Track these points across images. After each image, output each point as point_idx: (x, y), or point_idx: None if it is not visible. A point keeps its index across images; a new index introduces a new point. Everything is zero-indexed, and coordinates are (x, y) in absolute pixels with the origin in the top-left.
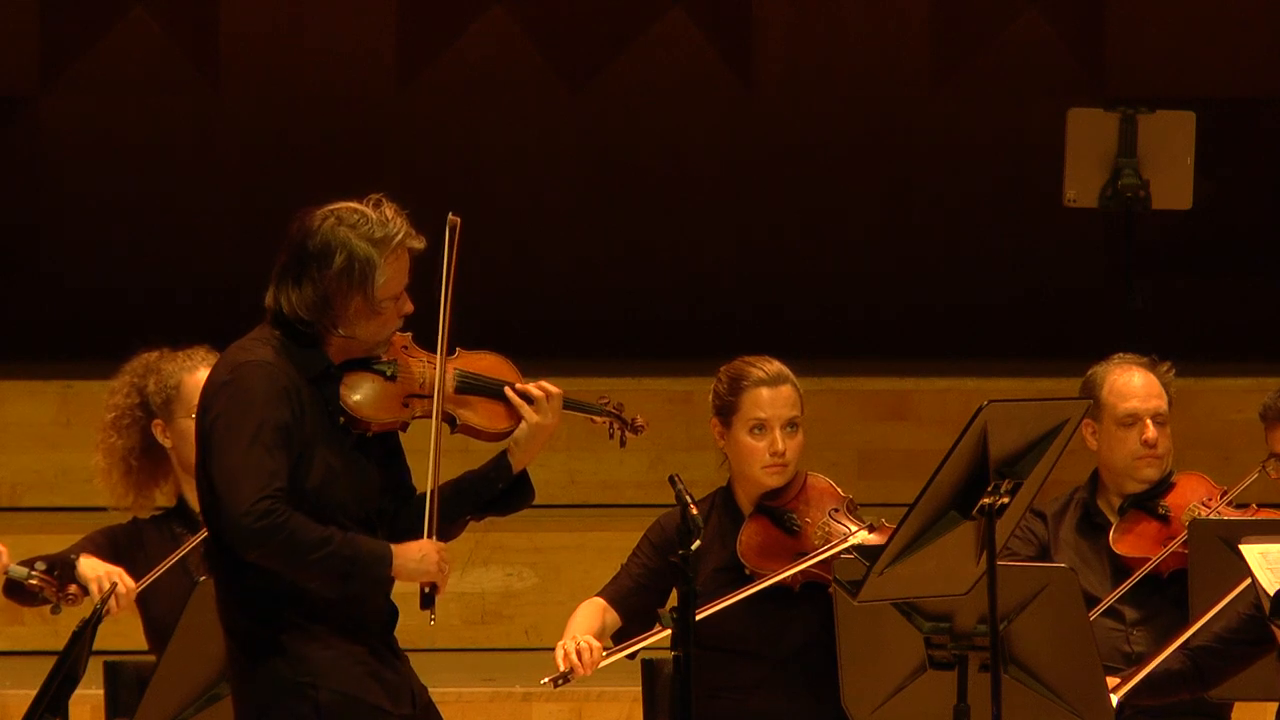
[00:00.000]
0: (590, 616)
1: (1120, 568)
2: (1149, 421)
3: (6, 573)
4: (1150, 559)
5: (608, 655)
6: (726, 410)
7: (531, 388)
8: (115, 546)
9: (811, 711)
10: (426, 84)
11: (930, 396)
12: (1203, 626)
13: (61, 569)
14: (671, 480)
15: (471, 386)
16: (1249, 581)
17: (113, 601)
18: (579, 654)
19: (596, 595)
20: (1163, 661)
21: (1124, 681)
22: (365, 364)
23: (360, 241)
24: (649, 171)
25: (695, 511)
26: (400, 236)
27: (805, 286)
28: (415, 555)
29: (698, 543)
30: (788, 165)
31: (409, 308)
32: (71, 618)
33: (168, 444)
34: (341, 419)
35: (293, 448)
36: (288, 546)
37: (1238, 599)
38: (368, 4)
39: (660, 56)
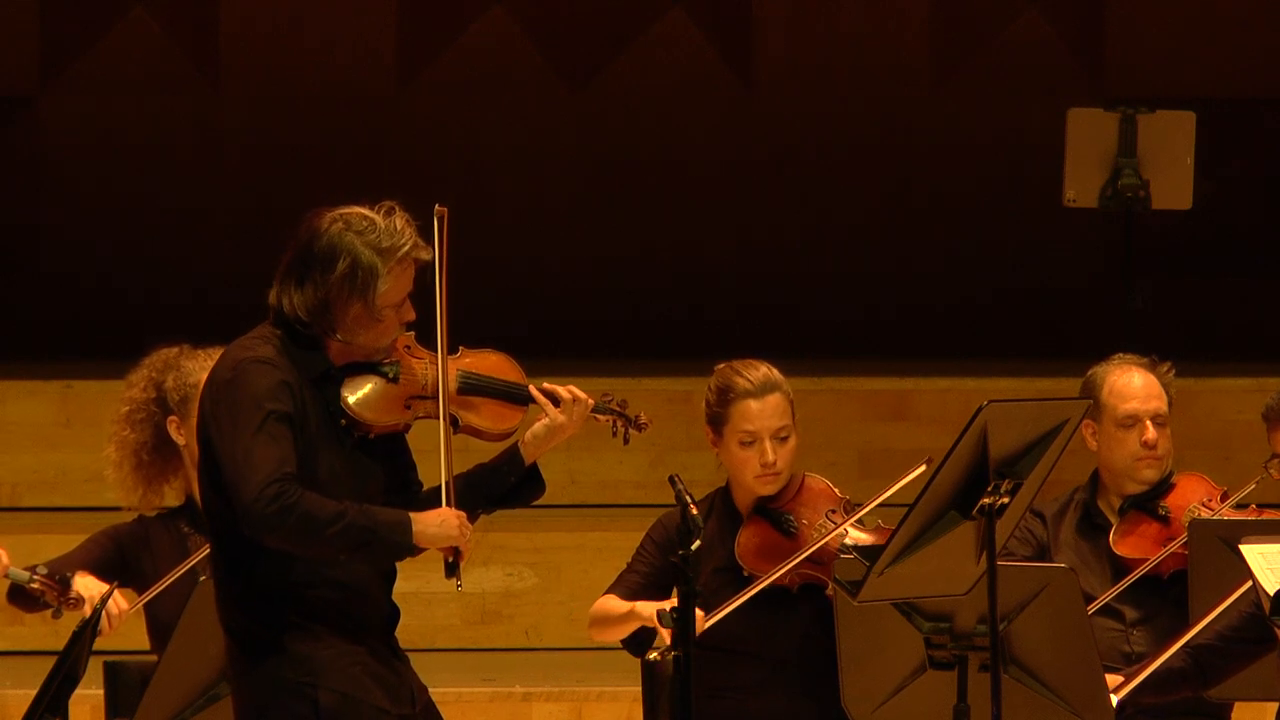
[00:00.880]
0: (620, 601)
1: (1120, 569)
2: (1149, 422)
3: (7, 575)
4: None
5: (707, 621)
6: (717, 421)
7: (560, 390)
8: (121, 548)
9: (811, 712)
10: (426, 83)
11: (930, 396)
12: (1203, 627)
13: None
14: (671, 480)
15: (474, 387)
16: (1249, 584)
17: (104, 622)
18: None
19: (607, 593)
20: (1164, 660)
21: (1126, 681)
22: (367, 366)
23: (365, 249)
24: (649, 171)
25: (695, 511)
26: (407, 248)
27: (805, 286)
28: (435, 520)
29: (698, 543)
30: (788, 165)
31: (411, 315)
32: (72, 618)
33: (181, 441)
34: (343, 421)
35: (298, 439)
36: (303, 525)
37: (1239, 599)
38: (368, 4)
39: (660, 56)
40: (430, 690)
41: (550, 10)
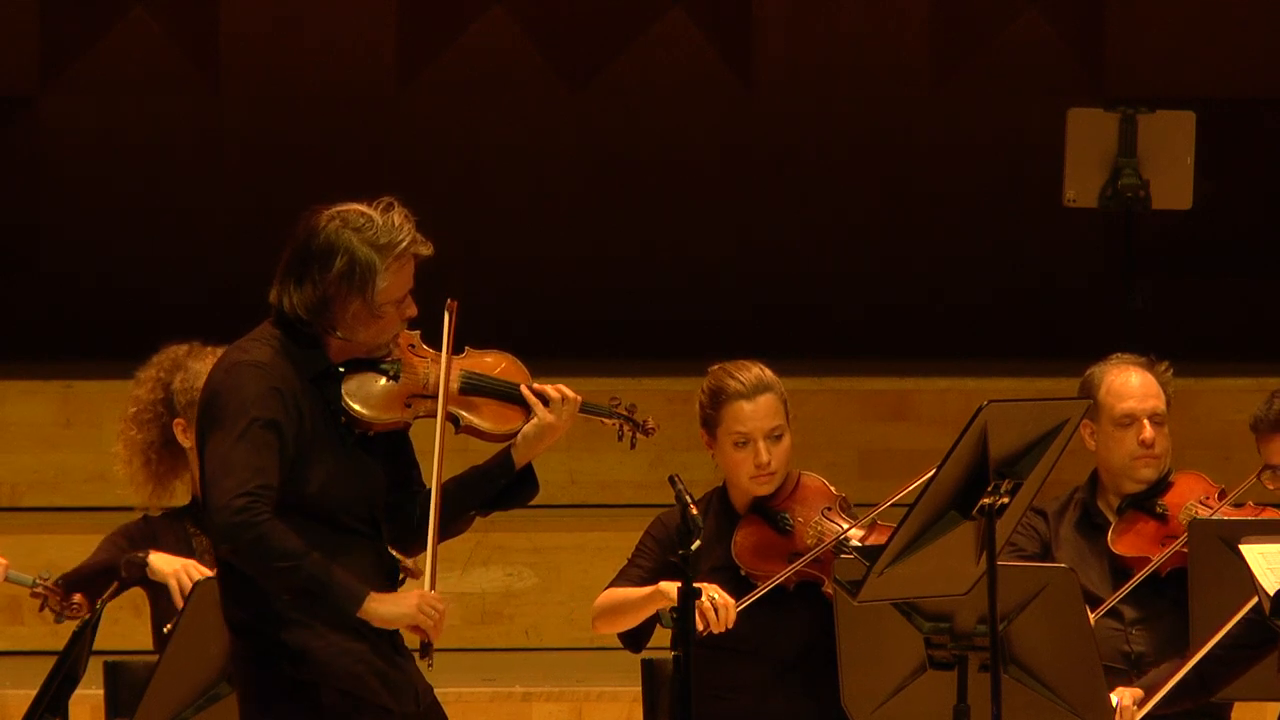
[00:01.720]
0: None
1: (1119, 567)
2: (1146, 421)
3: (8, 578)
4: (1148, 558)
5: (740, 605)
6: (710, 423)
7: (549, 389)
8: (133, 545)
9: (811, 712)
10: (427, 83)
11: (930, 396)
12: (1202, 631)
13: (129, 568)
14: (671, 480)
15: (476, 388)
16: (1251, 604)
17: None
18: (715, 609)
19: (609, 588)
20: (1166, 672)
21: (1146, 698)
22: (369, 364)
23: (363, 246)
24: (649, 171)
25: (695, 511)
26: (405, 244)
27: (805, 286)
28: (390, 601)
29: (698, 543)
30: (788, 165)
31: (412, 311)
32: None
33: (187, 444)
34: (344, 419)
35: (285, 447)
36: (257, 548)
37: (1235, 602)
38: (368, 4)
39: (660, 56)
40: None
41: (550, 10)
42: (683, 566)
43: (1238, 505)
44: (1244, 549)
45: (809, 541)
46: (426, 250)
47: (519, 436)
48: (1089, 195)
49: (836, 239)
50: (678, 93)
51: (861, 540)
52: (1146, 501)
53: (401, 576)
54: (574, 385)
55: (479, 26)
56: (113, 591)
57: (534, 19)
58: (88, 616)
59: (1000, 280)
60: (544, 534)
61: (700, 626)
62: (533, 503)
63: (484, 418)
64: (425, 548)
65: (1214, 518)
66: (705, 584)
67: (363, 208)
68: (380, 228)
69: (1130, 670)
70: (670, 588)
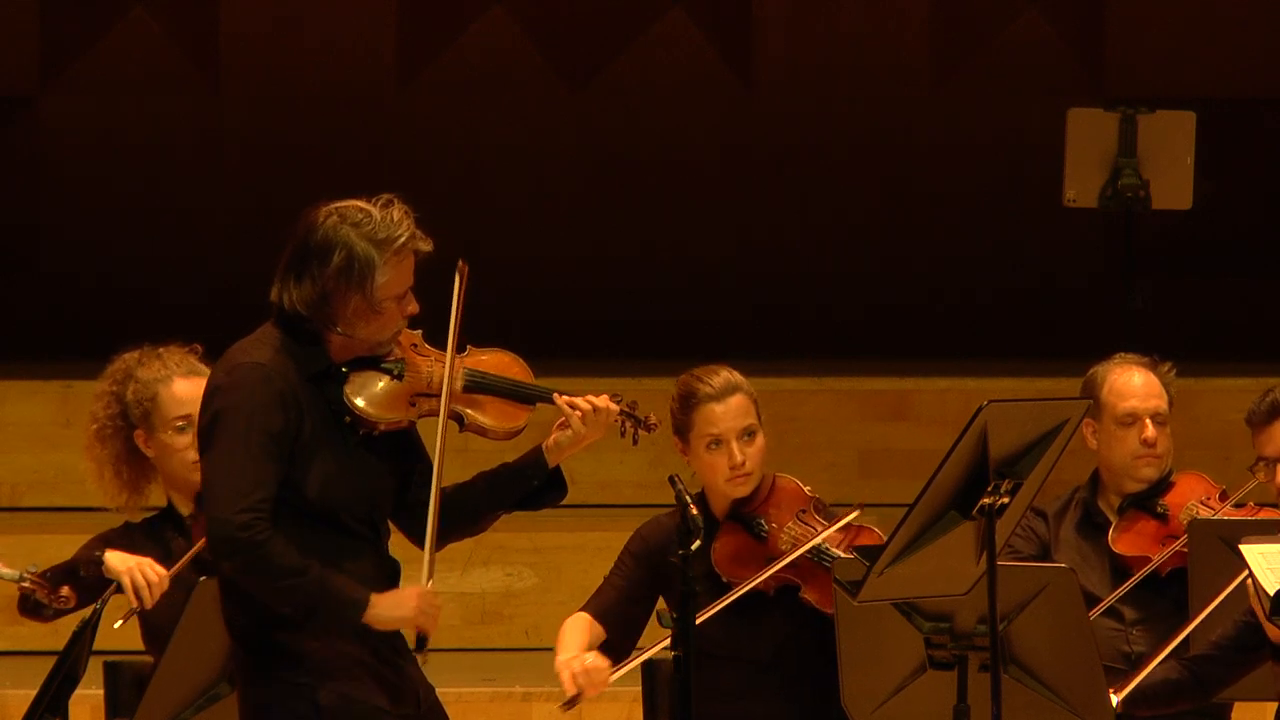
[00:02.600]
0: (579, 633)
1: (1119, 567)
2: (1148, 421)
3: None
4: (1148, 557)
5: (615, 671)
6: (682, 429)
7: (581, 401)
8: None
9: (791, 715)
10: (426, 83)
11: (930, 396)
12: (1201, 635)
13: (86, 567)
14: (671, 480)
15: (481, 385)
16: (1242, 576)
17: (146, 593)
18: (586, 674)
19: (581, 610)
20: (1162, 672)
21: (1119, 690)
22: (372, 362)
23: (361, 241)
24: (649, 171)
25: (695, 511)
26: (404, 239)
27: (805, 286)
28: (391, 603)
29: (697, 542)
30: (788, 165)
31: (414, 308)
32: (72, 618)
33: (150, 454)
34: (348, 418)
35: (284, 455)
36: (258, 566)
37: (1234, 604)
38: (368, 4)
39: (660, 56)
40: None
41: (550, 10)
42: (682, 566)
43: (1238, 505)
44: (1244, 549)
45: (783, 546)
46: (426, 246)
47: (550, 440)
48: (1089, 195)
49: (836, 239)
50: (678, 93)
51: (835, 545)
52: (1148, 501)
53: (420, 633)
54: (573, 385)
55: (479, 26)
56: (111, 591)
57: (534, 19)
58: (71, 608)
59: (1000, 280)
60: (544, 534)
61: (572, 691)
62: (556, 505)
63: (488, 416)
64: (444, 543)
65: (1214, 518)
66: (581, 654)
67: (362, 204)
68: (379, 223)
69: (1130, 670)
70: (563, 663)
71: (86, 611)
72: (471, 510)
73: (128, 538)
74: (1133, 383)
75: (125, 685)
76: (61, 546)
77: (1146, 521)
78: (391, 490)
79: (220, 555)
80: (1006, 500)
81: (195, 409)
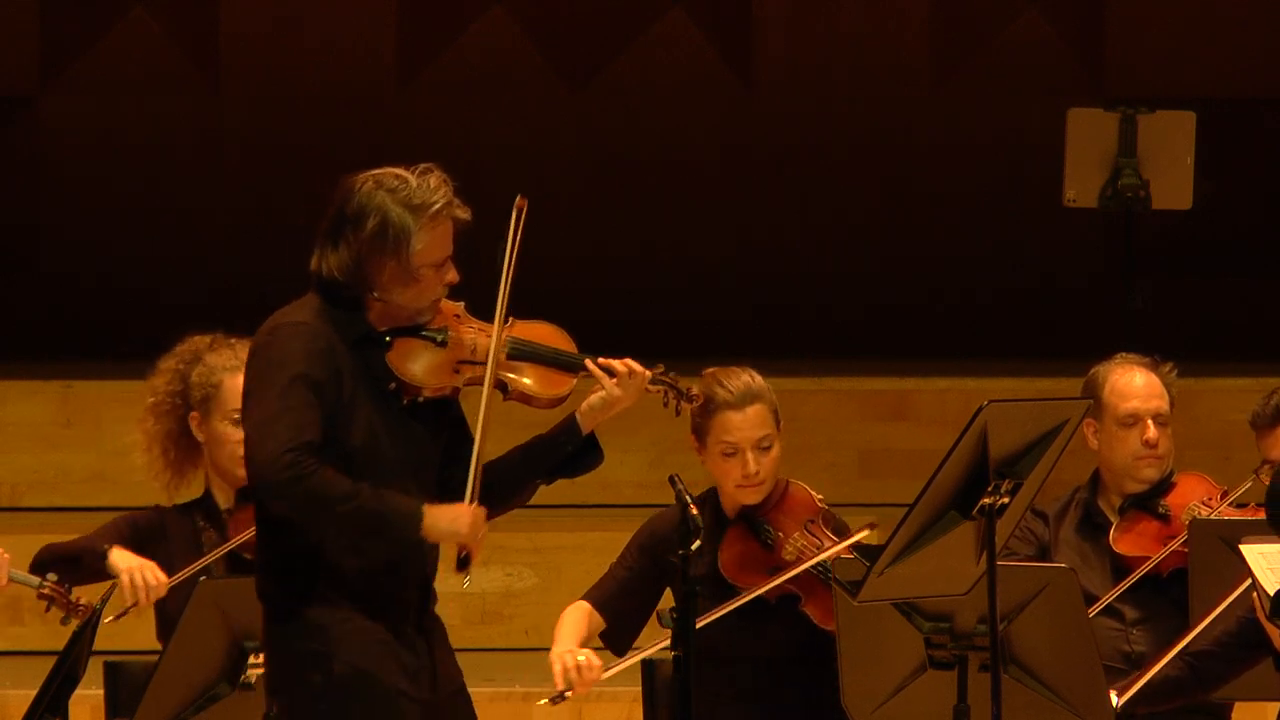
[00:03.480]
0: (577, 623)
1: (1120, 567)
2: (1150, 421)
3: (12, 578)
4: (1149, 558)
5: (607, 671)
6: (699, 431)
7: (616, 364)
8: (139, 535)
9: (790, 715)
10: (426, 83)
11: (930, 396)
12: (1202, 631)
13: (89, 557)
14: (671, 480)
15: (523, 353)
16: (1246, 584)
17: (143, 595)
18: (578, 670)
19: (582, 599)
20: (1162, 669)
21: (1121, 692)
22: (415, 330)
23: (396, 206)
24: (649, 171)
25: (695, 511)
26: (440, 205)
27: (805, 286)
28: (448, 517)
29: (698, 542)
30: (788, 165)
31: (453, 277)
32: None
33: (200, 438)
34: (392, 385)
35: (327, 406)
36: (313, 498)
37: (1235, 603)
38: (368, 4)
39: (660, 56)
40: None
41: (550, 10)
42: (682, 566)
43: (1238, 505)
44: (1244, 549)
45: (787, 557)
46: (464, 214)
47: (584, 405)
48: (1089, 195)
49: (836, 239)
50: (678, 93)
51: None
52: (1149, 501)
53: (463, 553)
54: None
55: (479, 26)
56: (111, 590)
57: (534, 19)
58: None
59: (1000, 280)
60: (544, 534)
61: (562, 685)
62: (531, 502)
63: (533, 382)
64: (490, 516)
65: (1214, 518)
66: (576, 649)
67: (398, 170)
68: (415, 189)
69: (1130, 670)
70: (557, 656)
71: (86, 612)
72: (512, 481)
73: (157, 520)
74: (1134, 383)
75: (125, 685)
76: None
77: (1148, 522)
78: (433, 461)
79: (272, 496)
80: (1006, 500)
81: None
